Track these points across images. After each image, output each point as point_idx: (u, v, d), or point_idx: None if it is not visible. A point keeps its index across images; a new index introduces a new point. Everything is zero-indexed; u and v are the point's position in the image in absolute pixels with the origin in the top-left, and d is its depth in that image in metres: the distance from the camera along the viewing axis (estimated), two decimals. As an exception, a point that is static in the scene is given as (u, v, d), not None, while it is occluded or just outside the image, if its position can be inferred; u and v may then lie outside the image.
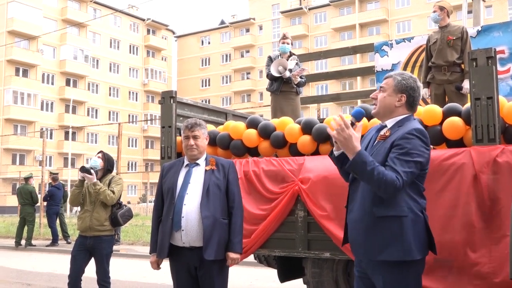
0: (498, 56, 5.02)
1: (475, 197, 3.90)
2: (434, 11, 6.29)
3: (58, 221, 14.72)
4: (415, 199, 2.88)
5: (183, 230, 3.68)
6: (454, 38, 6.09)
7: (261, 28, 64.42)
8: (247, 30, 65.37)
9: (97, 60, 56.90)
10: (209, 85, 66.72)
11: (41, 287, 8.53)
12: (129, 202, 45.32)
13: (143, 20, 62.90)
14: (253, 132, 5.34)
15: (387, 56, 7.76)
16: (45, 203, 15.06)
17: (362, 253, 2.96)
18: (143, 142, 61.26)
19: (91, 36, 56.47)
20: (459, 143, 4.33)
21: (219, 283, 3.77)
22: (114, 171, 5.92)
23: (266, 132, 5.28)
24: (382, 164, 2.83)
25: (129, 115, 59.50)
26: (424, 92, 6.03)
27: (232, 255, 3.77)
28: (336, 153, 3.09)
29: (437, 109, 4.48)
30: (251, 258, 5.75)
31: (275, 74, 6.70)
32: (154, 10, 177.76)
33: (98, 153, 5.69)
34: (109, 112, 57.82)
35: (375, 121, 4.39)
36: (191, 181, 3.80)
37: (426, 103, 6.21)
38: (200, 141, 3.86)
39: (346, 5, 58.64)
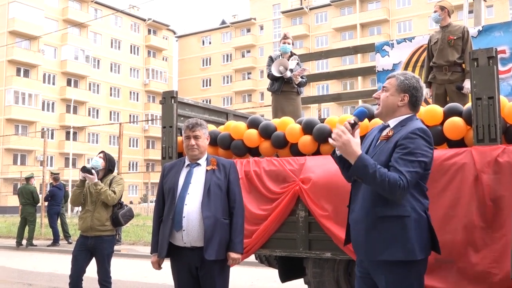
0: (499, 56, 5.02)
1: (476, 197, 3.90)
2: (435, 11, 6.29)
3: (59, 221, 14.72)
4: (418, 199, 2.88)
5: (184, 230, 3.68)
6: (455, 38, 6.09)
7: (262, 28, 64.42)
8: (248, 30, 65.37)
9: (98, 60, 56.93)
10: (210, 85, 66.73)
11: (42, 287, 8.54)
12: (131, 202, 45.35)
13: (144, 20, 62.93)
14: (254, 132, 5.34)
15: (388, 56, 7.76)
16: (46, 203, 15.07)
17: (364, 252, 2.95)
18: (144, 142, 61.28)
19: (92, 36, 56.50)
20: (460, 143, 4.33)
21: (220, 283, 3.77)
22: (115, 171, 5.92)
23: (267, 132, 5.28)
24: (386, 164, 2.83)
25: (130, 115, 59.52)
26: (425, 92, 6.02)
27: (233, 255, 3.76)
28: (338, 152, 3.09)
29: (438, 109, 4.48)
30: (252, 258, 5.75)
31: (276, 74, 6.70)
32: (155, 10, 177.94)
33: (100, 153, 5.69)
34: (110, 112, 57.85)
35: (376, 121, 4.39)
36: (192, 181, 3.80)
37: (427, 103, 6.20)
38: (201, 141, 3.86)
39: (347, 5, 58.62)
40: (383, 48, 7.83)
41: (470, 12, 11.05)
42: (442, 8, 6.22)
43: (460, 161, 4.04)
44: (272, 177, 4.92)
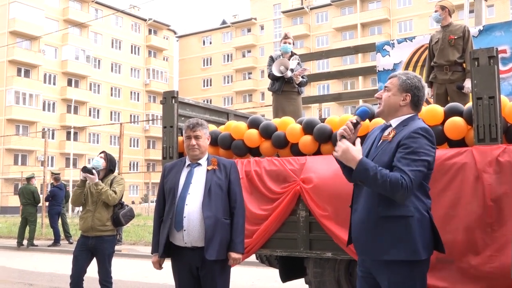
0: (500, 55, 5.03)
1: (477, 196, 3.90)
2: (436, 11, 6.29)
3: (60, 221, 14.73)
4: (421, 199, 2.88)
5: (185, 230, 3.68)
6: (455, 37, 6.08)
7: (262, 28, 64.42)
8: (249, 30, 65.38)
9: (99, 60, 56.95)
10: (210, 85, 66.74)
11: (43, 287, 8.54)
12: (133, 202, 45.39)
13: (145, 20, 62.95)
14: (254, 132, 5.34)
15: (389, 55, 7.75)
16: (47, 203, 15.08)
17: (367, 252, 2.95)
18: (145, 142, 61.29)
19: (93, 36, 56.52)
20: (461, 143, 4.33)
21: (221, 283, 3.77)
22: (116, 171, 5.92)
23: (267, 132, 5.28)
24: (389, 164, 2.83)
25: (130, 115, 59.54)
26: (427, 92, 6.02)
27: (234, 255, 3.76)
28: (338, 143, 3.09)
29: (438, 109, 4.47)
30: (253, 258, 5.75)
31: (277, 74, 6.70)
32: (155, 10, 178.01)
33: (100, 153, 5.69)
34: (111, 112, 57.86)
35: (377, 121, 4.39)
36: (193, 181, 3.80)
37: (428, 103, 6.20)
38: (201, 141, 3.86)
39: (347, 4, 58.61)
40: (383, 48, 7.83)
41: (471, 11, 11.05)
42: (443, 7, 6.22)
43: (461, 161, 4.04)
44: (273, 177, 4.92)
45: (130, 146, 58.23)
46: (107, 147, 50.77)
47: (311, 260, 4.96)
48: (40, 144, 43.04)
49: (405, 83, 3.01)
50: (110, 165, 5.63)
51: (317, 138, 4.98)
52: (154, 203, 4.19)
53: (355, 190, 3.08)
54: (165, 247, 3.80)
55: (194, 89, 65.59)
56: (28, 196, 14.19)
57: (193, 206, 3.71)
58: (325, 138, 4.94)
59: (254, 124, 5.42)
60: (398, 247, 2.81)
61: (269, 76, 6.87)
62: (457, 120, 4.31)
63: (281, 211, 4.79)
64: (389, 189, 2.73)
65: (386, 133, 3.03)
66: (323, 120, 5.20)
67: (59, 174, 15.32)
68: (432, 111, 4.45)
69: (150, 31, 63.84)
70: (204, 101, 51.80)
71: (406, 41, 7.72)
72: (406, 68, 7.54)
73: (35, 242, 14.72)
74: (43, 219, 17.29)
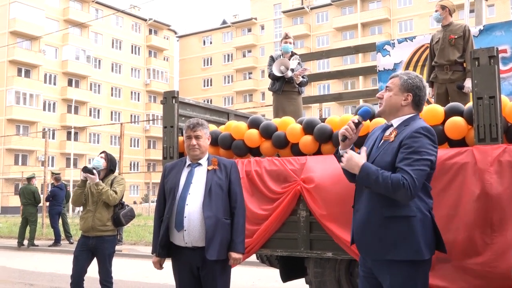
0: (500, 55, 5.02)
1: (478, 196, 3.89)
2: (436, 10, 6.29)
3: (60, 221, 14.74)
4: (423, 199, 2.89)
5: (185, 230, 3.68)
6: (456, 37, 6.08)
7: (263, 28, 64.43)
8: (249, 30, 65.38)
9: (99, 60, 56.97)
10: (211, 85, 66.75)
11: (43, 287, 8.54)
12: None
13: (145, 20, 62.96)
14: (254, 132, 5.34)
15: (389, 55, 7.76)
16: (47, 203, 15.09)
17: (370, 252, 2.96)
18: (145, 142, 61.30)
19: (93, 36, 56.53)
20: (461, 142, 4.33)
21: (221, 283, 3.77)
22: (116, 171, 5.92)
23: (267, 132, 5.28)
24: (392, 164, 2.84)
25: (131, 115, 59.55)
26: (428, 91, 6.02)
27: (234, 255, 3.76)
28: (341, 152, 3.09)
29: (439, 109, 4.47)
30: (253, 258, 5.75)
31: (277, 73, 6.70)
32: (156, 10, 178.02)
33: (101, 153, 5.69)
34: (111, 112, 57.87)
35: (377, 121, 4.39)
36: (193, 181, 3.80)
37: (428, 103, 6.20)
38: (202, 141, 3.86)
39: (348, 4, 58.60)
40: (384, 48, 7.83)
41: (471, 11, 11.05)
42: (443, 7, 6.22)
43: (461, 161, 4.04)
44: (273, 177, 4.92)
45: (131, 146, 58.24)
46: (107, 147, 50.78)
47: (312, 260, 4.96)
48: (41, 144, 43.01)
49: (407, 83, 3.01)
50: (111, 165, 5.63)
51: (317, 138, 4.98)
52: (155, 203, 4.19)
53: (357, 190, 3.08)
54: (165, 247, 3.80)
55: (195, 89, 65.59)
56: (28, 196, 14.19)
57: (193, 206, 3.71)
58: (325, 138, 4.94)
59: (254, 124, 5.42)
60: (401, 247, 2.81)
61: (269, 76, 6.86)
62: (457, 120, 4.31)
63: (282, 211, 4.79)
64: (392, 191, 2.75)
65: (387, 133, 3.03)
66: (323, 120, 5.19)
67: (59, 174, 15.32)
68: (432, 111, 4.45)
69: (150, 31, 63.86)
70: (204, 101, 51.82)
71: (407, 41, 7.72)
72: (407, 67, 7.54)
73: (36, 242, 14.73)
74: (43, 219, 17.30)
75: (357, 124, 3.03)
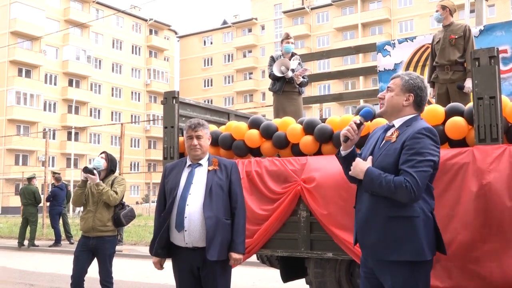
0: (500, 55, 5.02)
1: (478, 197, 3.89)
2: (437, 11, 6.29)
3: (61, 221, 14.74)
4: (426, 200, 2.89)
5: (186, 231, 3.67)
6: (456, 37, 6.07)
7: (263, 28, 64.43)
8: (249, 30, 65.38)
9: (100, 61, 56.99)
10: (211, 85, 66.76)
11: (43, 287, 8.54)
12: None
13: (146, 20, 62.99)
14: (255, 132, 5.34)
15: (390, 55, 7.75)
16: (48, 204, 15.09)
17: (372, 253, 2.95)
18: (146, 143, 61.32)
19: (94, 37, 56.55)
20: (461, 143, 4.33)
21: (222, 283, 3.77)
22: (117, 171, 5.92)
23: (268, 133, 5.28)
24: (395, 164, 2.84)
25: (131, 116, 59.57)
26: (429, 92, 6.02)
27: (234, 255, 3.76)
28: (343, 153, 3.09)
29: (439, 109, 4.47)
30: (253, 258, 5.75)
31: (278, 74, 6.70)
32: (156, 11, 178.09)
33: (101, 153, 5.68)
34: (112, 113, 57.89)
35: (378, 122, 4.39)
36: (193, 181, 3.80)
37: (429, 103, 6.20)
38: (203, 141, 3.86)
39: (348, 4, 58.60)
40: (384, 48, 7.83)
41: (472, 11, 11.05)
42: (444, 7, 6.21)
43: (461, 161, 4.04)
44: (274, 177, 4.92)
45: (131, 146, 58.26)
46: (108, 147, 50.81)
47: (312, 260, 4.96)
48: (41, 144, 42.99)
49: (408, 83, 3.01)
50: (111, 165, 5.63)
51: (317, 138, 4.98)
52: (155, 203, 4.19)
53: (358, 190, 3.08)
54: (165, 248, 3.80)
55: (195, 89, 65.60)
56: (29, 196, 14.20)
57: (194, 206, 3.70)
58: (325, 138, 4.93)
59: (255, 124, 5.42)
60: (403, 247, 2.82)
61: (270, 76, 6.87)
62: (458, 120, 4.31)
63: (282, 211, 4.79)
64: (394, 192, 2.76)
65: (389, 133, 3.03)
66: (324, 120, 5.19)
67: (59, 174, 15.32)
68: (433, 111, 4.45)
69: (151, 31, 63.87)
70: (205, 101, 51.82)
71: (407, 41, 7.72)
72: (407, 68, 7.54)
73: (36, 242, 14.73)
74: (44, 219, 17.31)
75: (359, 125, 3.03)
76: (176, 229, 3.70)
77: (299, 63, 6.89)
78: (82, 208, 5.64)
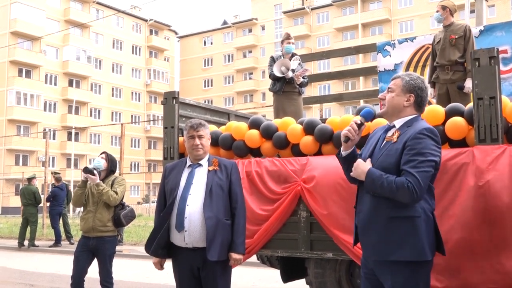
0: (500, 55, 5.02)
1: (478, 197, 3.89)
2: (437, 11, 6.29)
3: (61, 221, 14.74)
4: (427, 200, 2.90)
5: (186, 231, 3.67)
6: (456, 37, 6.07)
7: (263, 28, 64.44)
8: (250, 31, 65.39)
9: (100, 61, 56.99)
10: (211, 85, 66.76)
11: (44, 287, 8.54)
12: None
13: (146, 20, 62.98)
14: (255, 132, 5.34)
15: (390, 56, 7.76)
16: (48, 204, 15.09)
17: (373, 252, 2.95)
18: (146, 143, 61.32)
19: (94, 37, 56.56)
20: (461, 143, 4.33)
21: (222, 283, 3.77)
22: (117, 171, 5.92)
23: (268, 133, 5.28)
24: (396, 165, 2.84)
25: (131, 116, 59.58)
26: (429, 92, 6.02)
27: (235, 255, 3.76)
28: (343, 153, 3.09)
29: (439, 109, 4.47)
30: (254, 258, 5.75)
31: (278, 74, 6.70)
32: (156, 11, 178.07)
33: (102, 153, 5.68)
34: (112, 113, 57.90)
35: (378, 122, 4.39)
36: (194, 181, 3.80)
37: (429, 103, 6.19)
38: (204, 140, 3.87)
39: (348, 5, 58.60)
40: (384, 48, 7.83)
41: (472, 11, 11.04)
42: (444, 7, 6.21)
43: (461, 161, 4.04)
44: (274, 178, 4.92)
45: (131, 146, 58.25)
46: (108, 147, 50.82)
47: (312, 260, 4.96)
48: (41, 144, 42.99)
49: (409, 84, 3.02)
50: (111, 165, 5.63)
51: (318, 139, 4.98)
52: (155, 204, 4.19)
53: (359, 190, 3.08)
54: (165, 248, 3.80)
55: (195, 90, 65.60)
56: (29, 196, 14.20)
57: (194, 206, 3.70)
58: (326, 139, 4.93)
59: (255, 124, 5.42)
60: (405, 247, 2.82)
61: (270, 76, 6.87)
62: (458, 120, 4.31)
63: (282, 212, 4.79)
64: (396, 193, 2.76)
65: (389, 133, 3.03)
66: (324, 121, 5.19)
67: (60, 174, 15.32)
68: (433, 111, 4.45)
69: (151, 31, 63.87)
70: (205, 101, 51.83)
71: (407, 41, 7.72)
72: (407, 68, 7.54)
73: (36, 242, 14.73)
74: (44, 220, 17.31)
75: (360, 125, 3.03)
76: (176, 229, 3.70)
77: (299, 64, 6.89)
78: (82, 209, 5.64)
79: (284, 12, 62.28)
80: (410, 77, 3.04)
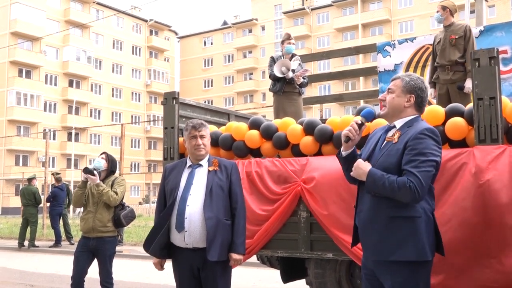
0: (500, 56, 5.02)
1: (478, 197, 3.89)
2: (437, 11, 6.29)
3: (61, 222, 14.74)
4: (427, 201, 2.90)
5: (186, 231, 3.67)
6: (456, 37, 6.07)
7: (263, 28, 64.44)
8: (250, 31, 65.39)
9: (100, 61, 56.99)
10: (211, 85, 66.76)
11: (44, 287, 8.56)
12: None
13: (146, 21, 62.98)
14: (255, 133, 5.34)
15: (390, 56, 7.76)
16: (48, 204, 15.09)
17: (374, 252, 2.95)
18: (146, 143, 61.31)
19: (94, 37, 56.56)
20: (461, 143, 4.33)
21: (222, 284, 3.77)
22: (117, 172, 5.92)
23: (268, 133, 5.28)
24: (397, 165, 2.85)
25: (132, 116, 59.58)
26: (429, 92, 6.02)
27: (235, 256, 3.76)
28: (344, 153, 3.10)
29: (439, 109, 4.48)
30: (254, 258, 5.75)
31: (278, 74, 6.70)
32: (156, 11, 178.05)
33: (102, 154, 5.69)
34: (112, 113, 57.90)
35: (378, 122, 4.39)
36: (194, 182, 3.80)
37: (429, 104, 6.19)
38: (206, 140, 3.88)
39: (348, 5, 58.60)
40: (384, 49, 7.83)
41: (472, 12, 11.05)
42: (444, 8, 6.21)
43: (461, 161, 4.04)
44: (274, 178, 4.92)
45: (131, 147, 58.25)
46: (108, 148, 50.83)
47: (312, 261, 4.96)
48: (41, 145, 43.00)
49: (409, 85, 3.02)
50: (111, 166, 5.63)
51: (318, 139, 4.98)
52: (155, 204, 4.19)
53: (359, 191, 3.08)
54: (165, 248, 3.80)
55: (195, 90, 65.61)
56: (29, 197, 14.20)
57: (194, 207, 3.71)
58: (326, 139, 4.93)
59: (255, 125, 5.42)
60: (406, 247, 2.82)
61: (270, 77, 6.87)
62: (458, 120, 4.31)
63: (282, 212, 4.79)
64: (398, 193, 2.77)
65: (390, 134, 3.04)
66: (324, 121, 5.19)
67: (60, 174, 15.32)
68: (433, 111, 4.45)
69: (151, 31, 63.87)
70: (205, 101, 51.82)
71: (407, 42, 7.72)
72: (407, 68, 7.54)
73: (36, 243, 14.72)
74: (44, 220, 17.31)
75: (360, 125, 3.03)
76: (177, 229, 3.70)
77: (299, 64, 6.89)
78: (82, 209, 5.65)
79: (284, 13, 62.29)
80: (410, 78, 3.05)
